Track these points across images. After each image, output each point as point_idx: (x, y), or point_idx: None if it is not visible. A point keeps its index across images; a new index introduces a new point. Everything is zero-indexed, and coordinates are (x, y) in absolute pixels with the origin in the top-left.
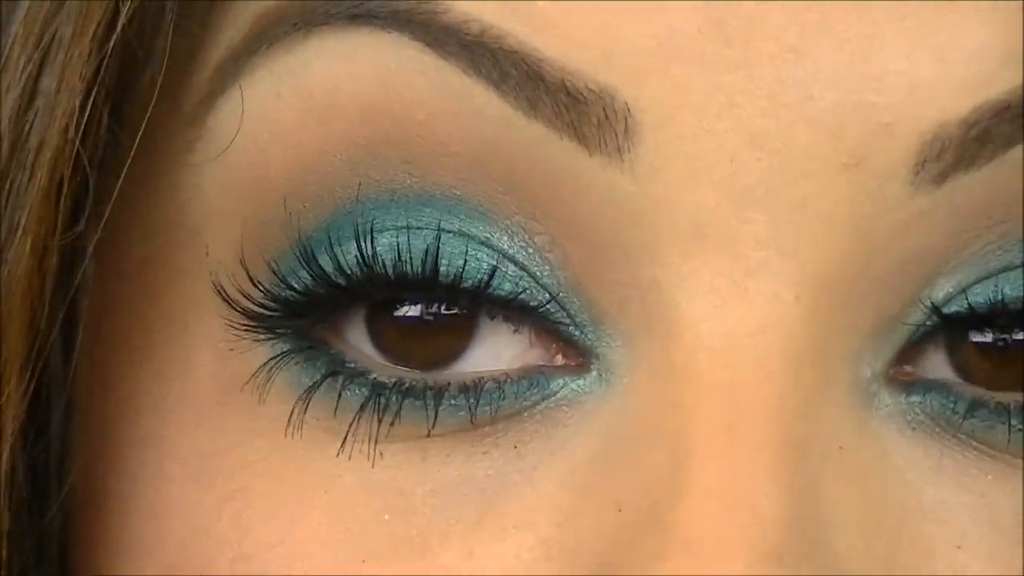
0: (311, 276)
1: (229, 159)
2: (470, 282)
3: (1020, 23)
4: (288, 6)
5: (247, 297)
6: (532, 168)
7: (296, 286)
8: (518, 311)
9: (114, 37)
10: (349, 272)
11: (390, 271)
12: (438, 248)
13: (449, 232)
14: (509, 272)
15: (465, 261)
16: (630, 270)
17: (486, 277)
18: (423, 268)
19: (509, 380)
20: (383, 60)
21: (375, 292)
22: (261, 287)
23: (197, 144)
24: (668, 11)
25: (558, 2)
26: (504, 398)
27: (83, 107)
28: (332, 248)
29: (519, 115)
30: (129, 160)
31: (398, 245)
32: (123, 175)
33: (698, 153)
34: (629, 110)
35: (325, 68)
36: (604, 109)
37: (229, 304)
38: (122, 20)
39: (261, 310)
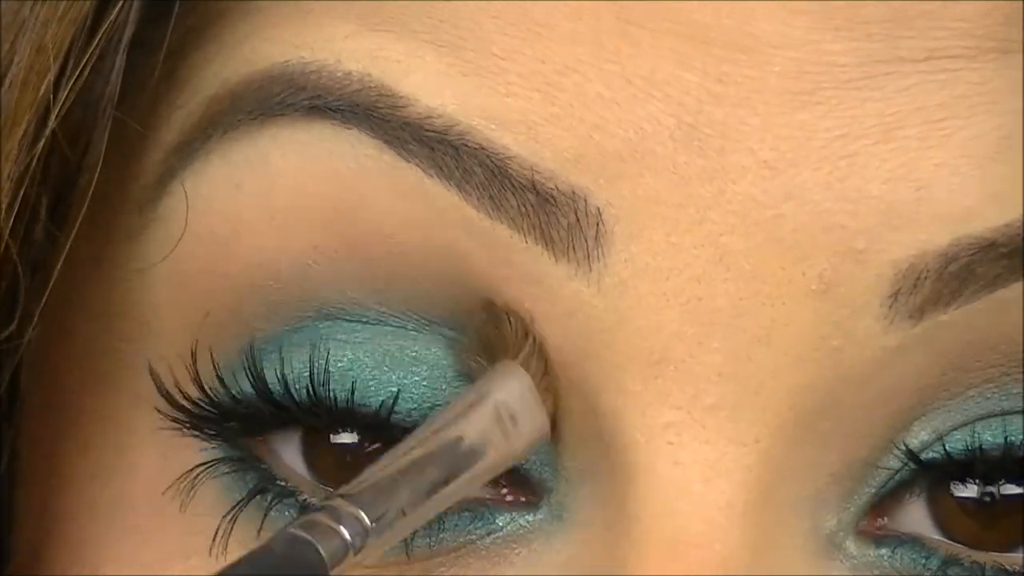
0: (255, 392)
1: (181, 249)
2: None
3: (1008, 160)
4: (243, 93)
5: (183, 394)
6: (493, 272)
7: (238, 397)
8: None
9: (43, 138)
10: (297, 399)
11: (341, 406)
12: (395, 399)
13: (413, 376)
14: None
15: (427, 405)
16: (590, 397)
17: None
18: (376, 412)
19: (450, 512)
20: (341, 158)
21: (320, 421)
22: (201, 388)
23: (146, 231)
24: (640, 113)
25: (527, 98)
26: (444, 530)
27: (10, 208)
28: (283, 371)
29: (482, 216)
30: (61, 259)
31: (354, 386)
32: (55, 273)
33: (667, 270)
34: (601, 215)
35: (284, 162)
36: (575, 212)
37: (163, 397)
38: (52, 121)
39: (193, 408)
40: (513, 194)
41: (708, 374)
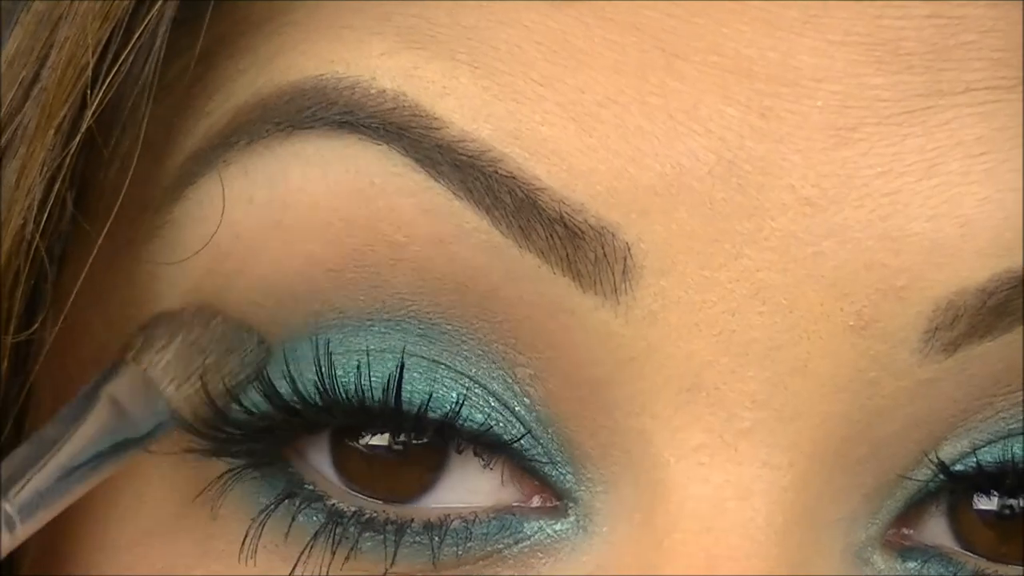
0: (266, 400)
1: (190, 258)
2: (437, 412)
3: None
4: (273, 104)
5: (200, 418)
6: (520, 299)
7: (252, 409)
8: (489, 446)
9: (80, 132)
10: (308, 399)
11: (352, 399)
12: (401, 375)
13: (415, 357)
14: (480, 403)
15: (432, 390)
16: (617, 417)
17: (454, 407)
18: (384, 396)
19: (478, 520)
20: (367, 174)
21: (336, 420)
22: (217, 409)
23: (160, 234)
24: (679, 148)
25: (563, 128)
26: (472, 539)
27: (44, 201)
28: (289, 372)
29: (510, 243)
30: (94, 253)
31: (358, 371)
32: (87, 269)
33: (699, 303)
34: (629, 250)
35: (303, 176)
36: (603, 247)
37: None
38: (89, 115)
39: (214, 432)
40: (542, 225)
41: (742, 400)
